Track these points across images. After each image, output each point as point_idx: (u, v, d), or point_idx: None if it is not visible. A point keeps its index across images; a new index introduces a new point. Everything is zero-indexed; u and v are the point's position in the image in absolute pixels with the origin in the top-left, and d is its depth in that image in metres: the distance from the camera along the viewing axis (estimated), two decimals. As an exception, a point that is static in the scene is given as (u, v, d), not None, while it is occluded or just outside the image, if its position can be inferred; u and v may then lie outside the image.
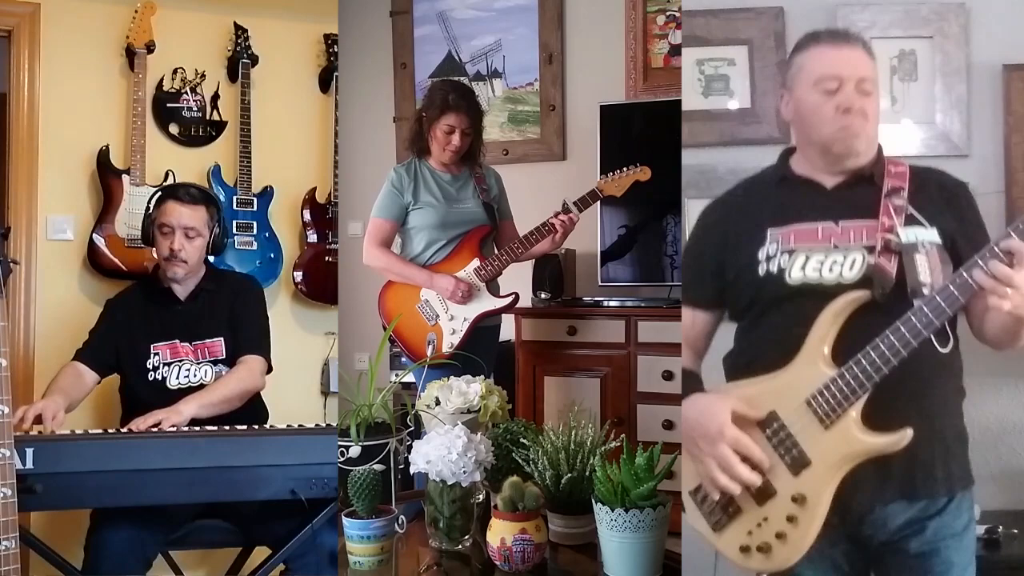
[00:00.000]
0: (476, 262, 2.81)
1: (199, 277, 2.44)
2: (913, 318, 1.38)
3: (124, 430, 2.09)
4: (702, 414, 1.49)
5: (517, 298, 2.89)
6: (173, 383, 2.34)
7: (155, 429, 2.06)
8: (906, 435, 1.39)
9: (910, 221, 1.49)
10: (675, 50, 3.62)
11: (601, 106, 3.56)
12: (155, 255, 2.45)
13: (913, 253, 1.45)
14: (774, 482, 1.45)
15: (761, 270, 1.52)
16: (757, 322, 1.56)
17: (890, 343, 1.38)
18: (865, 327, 1.42)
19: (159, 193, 2.44)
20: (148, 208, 2.43)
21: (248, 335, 2.42)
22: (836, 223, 1.51)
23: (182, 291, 2.42)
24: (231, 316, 2.42)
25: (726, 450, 1.45)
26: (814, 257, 1.49)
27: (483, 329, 2.85)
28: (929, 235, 1.49)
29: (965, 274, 1.37)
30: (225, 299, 2.44)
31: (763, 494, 1.46)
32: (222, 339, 2.40)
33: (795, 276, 1.49)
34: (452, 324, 2.80)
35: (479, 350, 2.70)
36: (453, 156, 2.83)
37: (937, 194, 1.55)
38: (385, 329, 2.77)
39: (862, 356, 1.40)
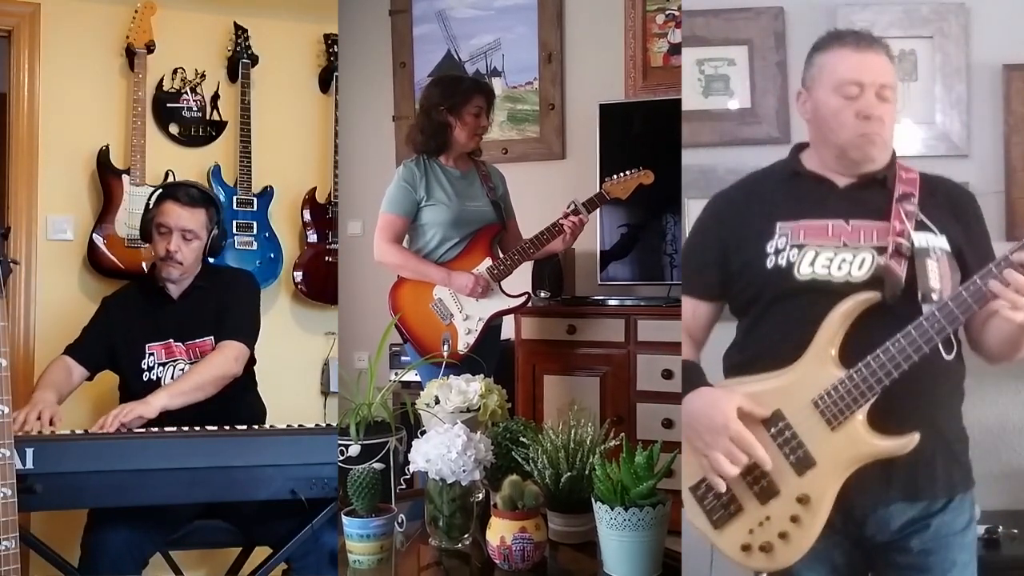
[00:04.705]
0: (488, 261, 2.79)
1: (193, 276, 2.41)
2: (925, 323, 1.38)
3: (94, 428, 2.04)
4: (709, 406, 1.47)
5: (529, 297, 2.88)
6: (167, 384, 2.30)
7: (125, 423, 2.04)
8: (913, 439, 1.40)
9: (920, 227, 1.48)
10: (675, 49, 3.61)
11: (600, 105, 3.55)
12: (152, 252, 2.42)
13: (924, 258, 1.45)
14: (778, 482, 1.45)
15: (769, 263, 1.51)
16: (762, 318, 1.54)
17: (901, 347, 1.38)
18: (872, 330, 1.41)
19: (160, 191, 2.42)
20: (148, 205, 2.41)
21: (230, 322, 2.38)
22: (847, 221, 1.50)
23: (176, 290, 2.40)
24: (218, 311, 2.39)
25: (730, 444, 1.44)
26: (823, 254, 1.48)
27: (490, 328, 2.84)
28: (939, 242, 1.49)
29: (979, 282, 1.37)
30: (216, 295, 2.41)
31: (766, 493, 1.46)
32: (211, 338, 2.37)
33: (804, 271, 1.48)
34: (467, 324, 2.78)
35: (486, 349, 2.72)
36: (479, 140, 2.83)
37: (946, 203, 1.55)
38: (396, 327, 2.74)
39: (872, 359, 1.40)
